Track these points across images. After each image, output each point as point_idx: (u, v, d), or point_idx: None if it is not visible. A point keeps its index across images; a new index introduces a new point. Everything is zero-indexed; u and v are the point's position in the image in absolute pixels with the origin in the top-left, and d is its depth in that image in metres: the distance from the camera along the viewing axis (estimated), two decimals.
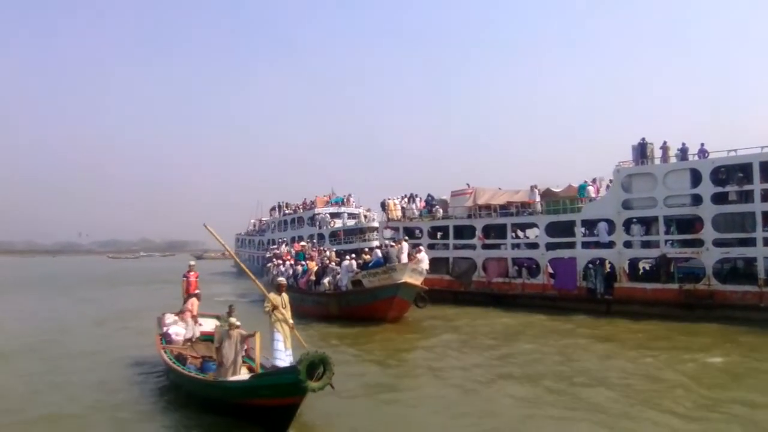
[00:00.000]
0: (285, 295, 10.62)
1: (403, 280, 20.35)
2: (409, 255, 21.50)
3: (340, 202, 48.99)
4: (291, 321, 10.28)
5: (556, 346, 15.81)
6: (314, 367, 8.02)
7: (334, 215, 47.41)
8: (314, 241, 40.47)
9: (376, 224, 43.64)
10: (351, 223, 46.30)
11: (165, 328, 13.94)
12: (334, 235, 43.79)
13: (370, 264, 22.15)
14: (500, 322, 20.49)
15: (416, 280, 21.03)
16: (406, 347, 16.90)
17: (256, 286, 11.15)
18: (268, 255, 36.04)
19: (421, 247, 23.56)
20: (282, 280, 12.23)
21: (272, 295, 10.36)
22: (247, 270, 12.23)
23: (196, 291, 15.40)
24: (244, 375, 9.88)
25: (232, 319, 10.17)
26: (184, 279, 15.88)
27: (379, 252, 22.79)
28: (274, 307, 10.21)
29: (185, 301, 15.37)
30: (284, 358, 10.03)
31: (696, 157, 21.27)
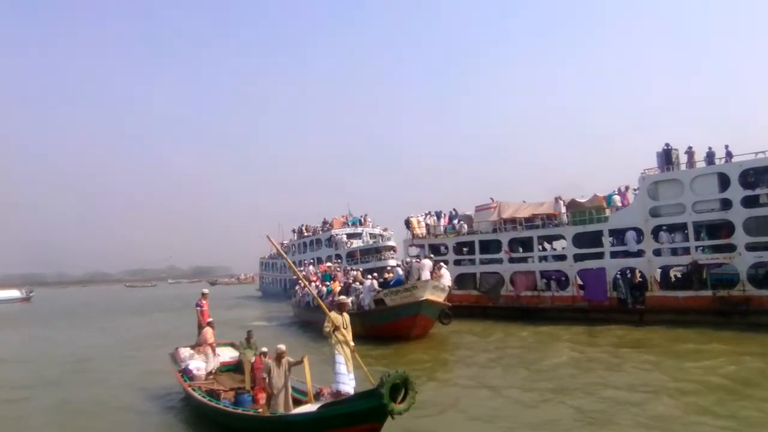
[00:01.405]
0: (346, 315, 9.90)
1: (425, 298, 20.29)
2: (431, 272, 21.49)
3: (357, 223, 49.64)
4: (352, 343, 9.53)
5: (600, 357, 15.60)
6: (397, 389, 7.35)
7: (351, 236, 48.03)
8: (339, 261, 40.79)
9: (392, 243, 44.11)
10: (370, 242, 46.70)
11: (183, 364, 13.22)
12: (351, 255, 44.15)
13: (392, 282, 22.20)
14: (534, 335, 20.27)
15: (439, 297, 20.96)
16: (443, 364, 16.73)
17: (318, 303, 10.83)
18: (295, 277, 36.30)
19: (442, 264, 23.57)
20: (344, 298, 11.60)
21: (333, 315, 9.68)
22: (307, 284, 12.30)
23: (210, 319, 14.24)
24: (307, 406, 9.23)
25: (281, 346, 9.62)
26: (199, 308, 14.76)
27: (400, 270, 22.82)
28: (335, 328, 9.49)
29: (200, 331, 14.39)
30: (348, 382, 9.37)
31: (722, 161, 21.03)
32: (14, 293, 76.10)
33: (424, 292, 20.36)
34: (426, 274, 21.27)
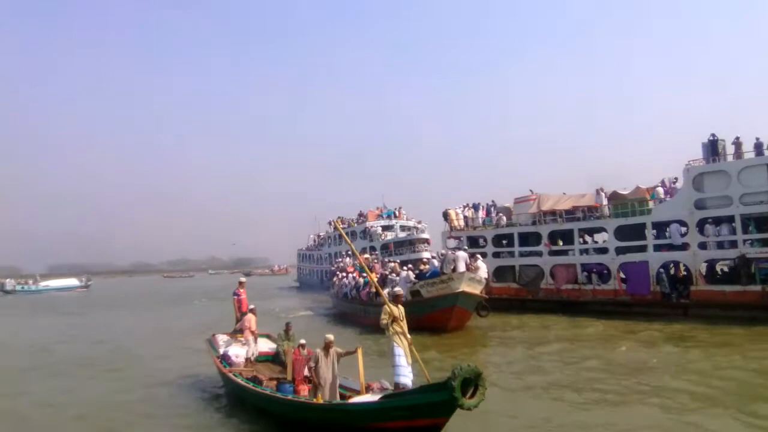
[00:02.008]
0: (401, 307, 9.65)
1: (461, 289, 20.28)
2: (467, 264, 21.53)
3: (392, 215, 50.12)
4: (409, 336, 9.33)
5: (655, 351, 15.27)
6: (468, 383, 7.16)
7: (385, 228, 48.59)
8: (377, 253, 41.17)
9: (426, 235, 44.33)
10: (402, 235, 47.24)
11: (222, 350, 13.21)
12: (385, 247, 44.63)
13: (428, 274, 22.24)
14: (577, 329, 20.09)
15: (475, 289, 20.92)
16: (483, 358, 16.60)
17: (380, 295, 10.54)
18: (333, 268, 36.87)
19: (478, 256, 23.53)
20: (399, 290, 11.34)
21: (388, 307, 9.43)
22: (369, 273, 12.18)
23: (251, 306, 14.30)
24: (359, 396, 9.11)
25: (329, 336, 9.59)
26: (236, 297, 15.03)
27: (436, 261, 22.84)
28: (393, 319, 9.28)
29: (238, 319, 14.56)
30: (407, 374, 9.13)
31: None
32: (75, 282, 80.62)
33: (460, 283, 20.37)
34: (462, 266, 21.21)
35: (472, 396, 7.19)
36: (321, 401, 9.01)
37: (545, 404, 10.54)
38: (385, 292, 22.51)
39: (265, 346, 14.09)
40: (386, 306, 9.42)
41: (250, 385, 10.65)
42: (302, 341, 11.42)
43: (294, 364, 11.07)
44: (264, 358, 13.59)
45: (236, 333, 14.25)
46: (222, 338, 14.13)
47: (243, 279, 16.05)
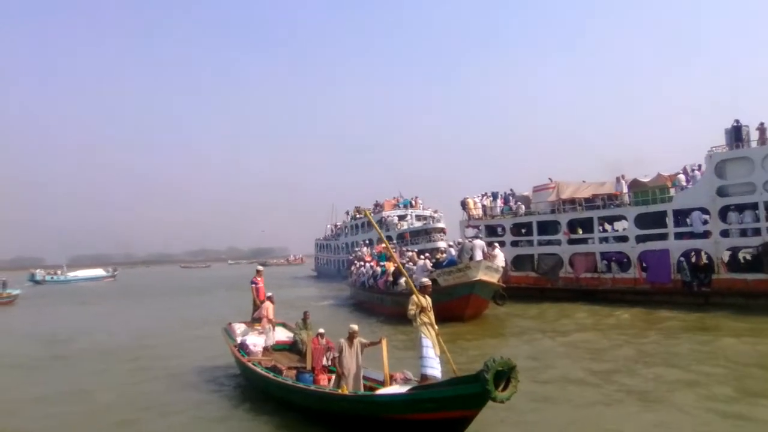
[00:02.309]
0: (429, 298, 9.42)
1: (478, 278, 20.23)
2: (484, 252, 21.45)
3: (408, 204, 50.10)
4: (437, 326, 9.11)
5: (685, 341, 15.05)
6: (502, 375, 6.95)
7: (401, 217, 48.50)
8: (395, 243, 41.23)
9: (442, 225, 44.40)
10: (418, 224, 47.27)
11: (240, 338, 12.95)
12: (401, 236, 44.68)
13: (444, 263, 22.22)
14: (597, 317, 19.99)
15: (492, 278, 20.87)
16: (501, 347, 16.44)
17: (408, 284, 10.16)
18: (351, 257, 37.02)
19: (495, 245, 23.46)
20: (426, 280, 11.05)
21: (415, 297, 9.23)
22: (399, 263, 11.80)
23: (269, 294, 14.26)
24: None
25: (354, 326, 9.52)
26: (253, 285, 15.16)
27: (453, 250, 22.81)
28: (421, 310, 9.06)
29: (256, 308, 14.58)
30: (436, 366, 8.89)
31: None
32: (102, 272, 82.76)
33: (477, 272, 20.33)
34: (479, 255, 21.18)
35: (505, 388, 7.03)
36: (346, 392, 8.89)
37: (567, 400, 10.12)
38: (402, 281, 22.90)
39: (283, 334, 14.00)
40: (414, 296, 9.22)
41: (271, 375, 10.51)
42: (321, 330, 11.40)
43: (313, 353, 11.00)
44: (281, 347, 13.44)
45: (254, 321, 14.21)
46: (239, 327, 14.01)
47: (260, 268, 16.19)
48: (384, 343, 9.33)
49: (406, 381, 9.01)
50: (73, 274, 78.39)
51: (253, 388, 11.40)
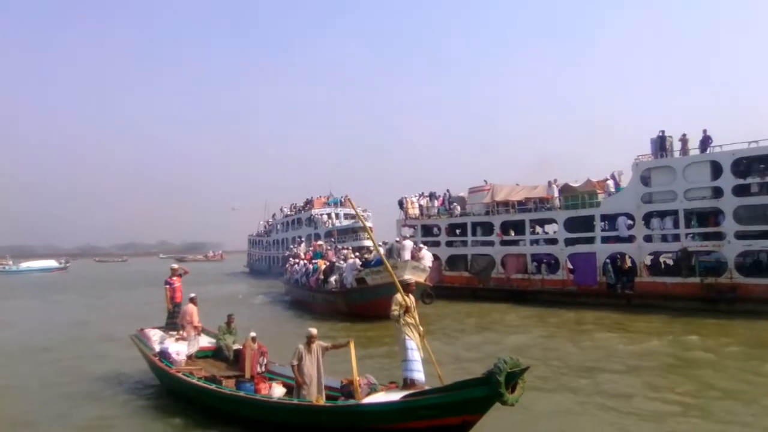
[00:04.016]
0: (412, 297, 8.87)
1: (405, 277, 20.43)
2: (412, 253, 21.83)
3: (338, 203, 50.27)
4: (421, 327, 8.61)
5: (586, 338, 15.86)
6: (513, 377, 6.51)
7: (331, 216, 48.79)
8: (332, 240, 41.17)
9: (369, 224, 44.66)
10: (347, 222, 47.59)
11: (159, 347, 11.56)
12: (329, 234, 44.76)
13: (372, 262, 22.38)
14: (521, 318, 20.53)
15: (419, 277, 21.12)
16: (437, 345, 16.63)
17: (392, 278, 9.27)
18: (286, 254, 36.66)
19: (422, 245, 23.90)
20: (411, 278, 10.16)
21: (400, 296, 8.63)
22: (385, 260, 11.17)
23: (192, 295, 12.44)
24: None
25: (312, 330, 8.84)
26: (168, 286, 13.53)
27: (381, 250, 22.97)
28: (406, 310, 8.51)
29: (171, 311, 13.29)
30: (420, 369, 8.33)
31: (716, 149, 21.10)
32: (54, 263, 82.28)
33: (404, 271, 20.52)
34: (407, 255, 21.58)
35: (513, 390, 6.60)
36: (321, 402, 8.20)
37: None
38: (332, 279, 22.91)
39: (204, 340, 12.56)
40: (397, 295, 8.62)
41: (217, 388, 9.46)
42: (253, 334, 10.66)
43: (246, 359, 10.33)
44: (203, 354, 12.11)
45: (168, 327, 13.01)
46: (153, 333, 12.57)
47: (175, 266, 14.63)
48: (351, 345, 8.49)
49: (369, 385, 8.41)
50: (25, 265, 78.07)
51: (189, 402, 10.05)
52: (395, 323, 8.59)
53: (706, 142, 21.37)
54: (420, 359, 8.36)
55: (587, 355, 13.72)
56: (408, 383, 8.21)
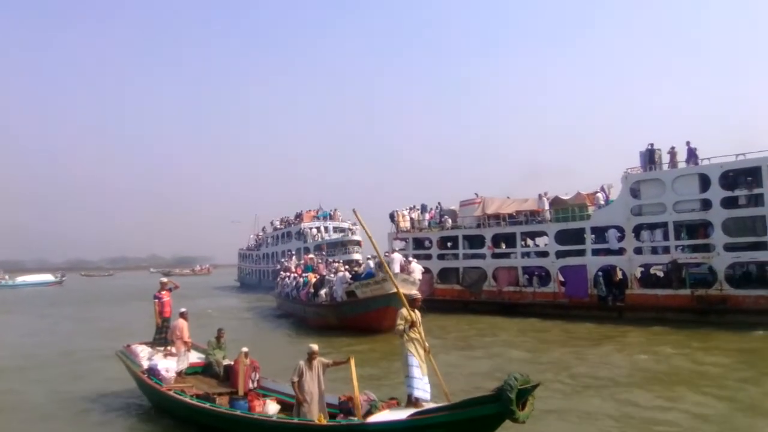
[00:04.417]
0: (418, 312, 8.59)
1: (394, 291, 20.41)
2: (401, 265, 21.92)
3: (327, 216, 50.58)
4: (427, 343, 8.31)
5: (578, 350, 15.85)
6: (524, 393, 6.31)
7: (320, 229, 49.04)
8: (315, 253, 41.17)
9: (358, 237, 45.42)
10: (336, 236, 47.84)
11: (147, 363, 11.22)
12: (318, 248, 44.87)
13: (362, 275, 22.43)
14: (513, 331, 20.52)
15: (409, 290, 21.09)
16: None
17: (397, 292, 8.99)
18: (278, 267, 36.61)
19: (412, 258, 24.01)
20: (417, 293, 10.20)
21: (405, 311, 8.35)
22: (388, 269, 11.17)
23: (182, 310, 12.15)
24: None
25: (313, 346, 8.61)
26: (156, 300, 13.19)
27: (371, 263, 23.03)
28: (411, 324, 8.20)
29: (160, 326, 12.95)
30: (423, 386, 8.04)
31: (704, 161, 21.30)
32: (50, 277, 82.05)
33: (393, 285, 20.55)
34: (396, 267, 21.66)
35: (523, 407, 6.38)
36: (324, 421, 7.90)
37: None
38: (322, 292, 22.89)
39: (193, 355, 12.27)
40: (403, 309, 8.36)
41: (214, 407, 9.25)
42: (245, 349, 10.44)
43: (238, 375, 10.10)
44: (193, 370, 11.80)
45: (156, 343, 12.74)
46: (141, 349, 12.22)
47: (165, 279, 14.25)
48: (352, 362, 8.26)
49: (369, 402, 8.23)
50: (21, 279, 78.27)
51: (181, 421, 9.89)
52: (399, 338, 8.33)
53: (691, 154, 21.58)
54: (423, 376, 8.08)
55: (584, 368, 13.74)
56: (412, 401, 7.97)
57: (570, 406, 10.42)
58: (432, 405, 7.64)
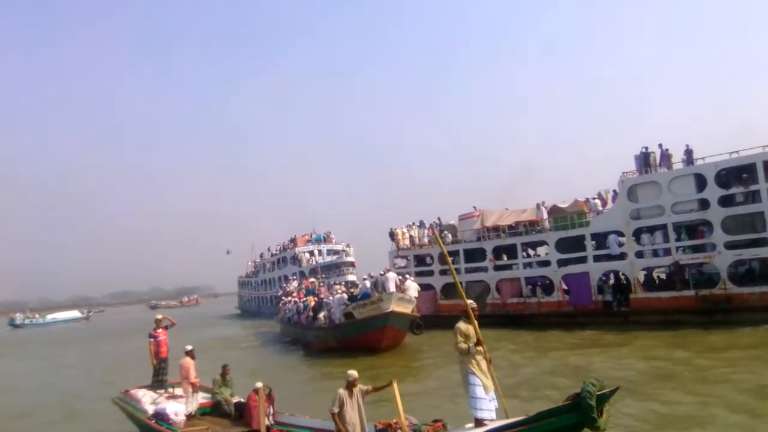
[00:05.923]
0: (475, 322, 7.72)
1: (390, 309, 20.58)
2: (396, 284, 21.94)
3: (321, 240, 50.62)
4: (488, 354, 7.59)
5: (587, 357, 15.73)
6: (602, 400, 5.97)
7: (312, 253, 48.98)
8: (322, 276, 41.06)
9: (351, 259, 45.87)
10: (330, 258, 47.81)
11: (153, 408, 10.62)
12: (313, 271, 44.70)
13: (359, 296, 22.45)
14: (522, 343, 20.39)
15: (405, 308, 21.29)
16: (411, 373, 16.69)
17: (462, 301, 7.91)
18: (279, 293, 36.53)
19: (407, 276, 24.08)
20: (473, 303, 10.31)
21: (463, 325, 7.56)
22: (460, 287, 10.97)
23: (189, 348, 11.40)
24: None
25: (353, 372, 8.00)
26: (152, 339, 12.22)
27: (367, 283, 23.03)
28: (477, 342, 7.47)
29: (157, 367, 12.15)
30: (488, 407, 7.34)
31: (699, 161, 21.35)
32: (77, 314, 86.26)
33: (389, 304, 20.66)
34: (391, 286, 21.65)
35: (600, 414, 6.02)
36: None
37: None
38: (321, 315, 22.90)
39: (199, 396, 11.57)
40: (460, 324, 7.55)
41: None
42: (259, 384, 9.80)
43: (253, 412, 9.66)
44: (202, 411, 11.16)
45: (155, 386, 12.04)
46: (142, 393, 11.63)
47: (159, 316, 13.14)
48: (395, 385, 7.71)
49: (412, 427, 7.84)
50: (51, 317, 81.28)
51: None
52: (460, 355, 7.56)
53: (689, 155, 21.64)
54: (489, 393, 7.40)
55: (601, 372, 13.37)
56: (480, 423, 7.31)
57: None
58: (498, 423, 7.02)
